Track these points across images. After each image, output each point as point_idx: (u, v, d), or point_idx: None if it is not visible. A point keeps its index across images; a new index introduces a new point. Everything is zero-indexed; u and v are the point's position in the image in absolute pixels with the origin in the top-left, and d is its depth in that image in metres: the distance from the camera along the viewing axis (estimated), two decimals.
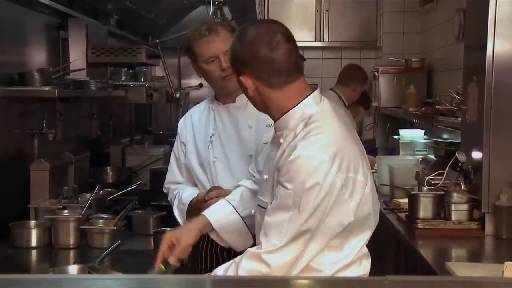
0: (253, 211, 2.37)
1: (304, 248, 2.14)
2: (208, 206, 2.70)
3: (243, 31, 2.28)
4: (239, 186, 2.66)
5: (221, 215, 2.56)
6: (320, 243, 2.15)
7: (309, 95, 2.24)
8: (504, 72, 3.41)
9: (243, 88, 2.29)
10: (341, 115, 2.29)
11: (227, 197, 2.64)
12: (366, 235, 2.24)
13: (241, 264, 2.16)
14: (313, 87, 2.29)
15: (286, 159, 2.13)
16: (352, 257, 2.22)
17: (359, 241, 2.23)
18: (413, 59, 6.30)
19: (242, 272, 2.14)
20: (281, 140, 2.24)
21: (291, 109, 2.22)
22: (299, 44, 2.29)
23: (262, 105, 2.28)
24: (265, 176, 2.29)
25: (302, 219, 2.11)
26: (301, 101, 2.22)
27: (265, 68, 2.20)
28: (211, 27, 2.84)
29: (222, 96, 2.96)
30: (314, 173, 2.09)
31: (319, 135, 2.15)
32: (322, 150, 2.11)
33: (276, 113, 2.26)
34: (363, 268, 2.28)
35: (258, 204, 2.31)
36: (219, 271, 2.24)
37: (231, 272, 2.17)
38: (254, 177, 2.62)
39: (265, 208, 2.22)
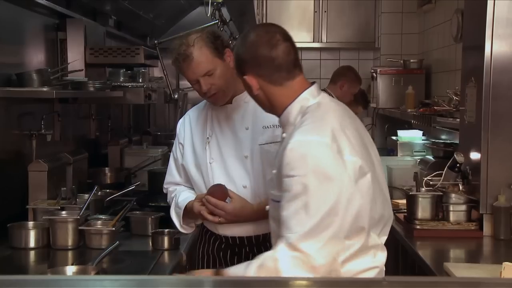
0: (267, 207, 2.37)
1: (333, 229, 2.10)
2: (203, 209, 2.73)
3: (245, 35, 2.40)
4: None
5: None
6: (347, 219, 2.12)
7: (306, 89, 2.32)
8: (502, 73, 3.42)
9: (248, 88, 2.37)
10: (341, 107, 2.37)
11: None
12: (363, 224, 2.20)
13: (279, 264, 2.09)
14: (311, 83, 2.38)
15: (286, 149, 2.17)
16: (359, 246, 2.19)
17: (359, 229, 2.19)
18: (411, 60, 6.31)
19: (285, 272, 2.07)
20: (284, 135, 2.32)
21: (289, 104, 2.31)
22: (297, 45, 2.37)
23: (268, 103, 2.37)
24: (274, 171, 2.31)
25: (316, 201, 2.09)
26: (298, 96, 2.31)
27: (266, 66, 2.31)
28: (185, 52, 2.74)
29: None
30: (315, 156, 2.13)
31: (314, 123, 2.22)
32: (319, 134, 2.17)
33: (279, 110, 2.35)
34: (377, 259, 2.28)
35: (270, 199, 2.33)
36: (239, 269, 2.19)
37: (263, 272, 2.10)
38: None
39: (276, 201, 2.22)
